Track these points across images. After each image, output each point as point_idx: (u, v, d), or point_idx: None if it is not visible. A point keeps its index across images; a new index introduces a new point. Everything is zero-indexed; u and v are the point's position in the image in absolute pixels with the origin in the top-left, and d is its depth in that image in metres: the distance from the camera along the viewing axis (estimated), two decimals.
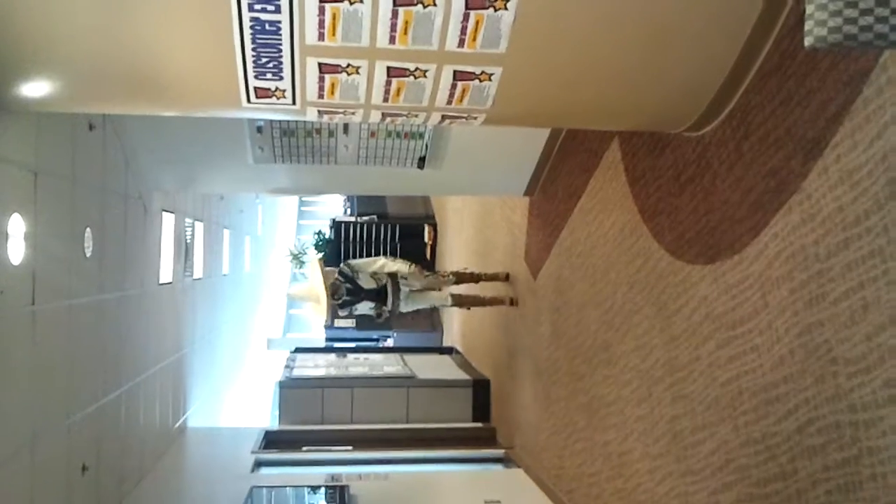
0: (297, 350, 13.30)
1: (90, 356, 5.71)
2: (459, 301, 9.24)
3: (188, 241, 8.80)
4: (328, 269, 8.43)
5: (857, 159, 2.97)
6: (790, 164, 3.39)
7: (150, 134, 6.32)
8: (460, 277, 9.03)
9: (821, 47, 1.41)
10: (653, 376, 4.80)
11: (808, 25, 1.39)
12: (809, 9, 1.39)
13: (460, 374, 10.86)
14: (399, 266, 8.51)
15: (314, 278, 8.29)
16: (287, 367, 11.34)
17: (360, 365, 11.59)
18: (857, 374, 2.97)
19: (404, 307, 8.44)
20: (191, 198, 8.97)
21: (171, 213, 7.96)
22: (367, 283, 8.28)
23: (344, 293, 8.20)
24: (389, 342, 17.69)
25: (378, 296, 8.31)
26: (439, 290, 8.92)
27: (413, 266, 8.51)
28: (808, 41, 1.42)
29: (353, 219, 18.47)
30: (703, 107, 3.90)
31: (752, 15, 3.41)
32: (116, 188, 6.17)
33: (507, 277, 8.92)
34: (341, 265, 8.40)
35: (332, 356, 12.27)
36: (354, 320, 9.71)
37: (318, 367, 11.30)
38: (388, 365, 11.47)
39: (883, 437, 2.84)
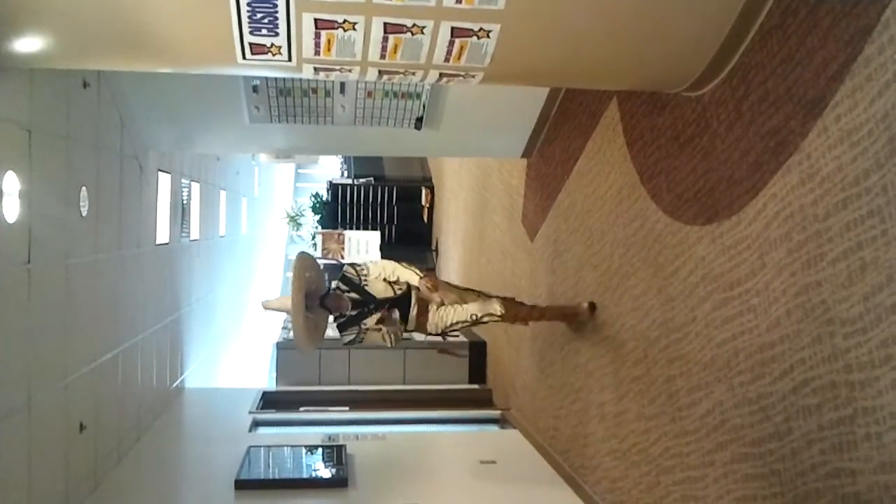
0: None
1: (87, 316, 5.70)
2: (514, 314, 5.87)
3: (185, 201, 8.76)
4: (323, 261, 5.47)
5: (858, 119, 2.95)
6: (790, 123, 3.36)
7: (145, 92, 6.27)
8: (509, 309, 5.78)
9: None
10: (649, 337, 4.81)
11: None
12: None
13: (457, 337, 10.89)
14: (409, 275, 5.67)
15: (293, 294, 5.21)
16: (284, 328, 11.36)
17: None
18: (853, 335, 2.97)
19: (433, 327, 5.71)
20: (187, 158, 8.92)
21: (168, 173, 7.91)
22: (379, 291, 5.50)
23: (349, 307, 5.41)
24: None
25: (397, 308, 5.54)
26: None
27: (423, 278, 5.65)
28: None
29: (350, 181, 18.44)
30: (703, 66, 3.87)
31: None
32: (112, 147, 6.13)
33: (592, 308, 5.82)
34: (344, 268, 5.61)
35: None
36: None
37: None
38: None
39: (879, 397, 2.85)
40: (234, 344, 13.31)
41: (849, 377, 3.00)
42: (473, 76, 3.85)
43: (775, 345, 3.47)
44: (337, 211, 18.00)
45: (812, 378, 3.22)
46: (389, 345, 5.57)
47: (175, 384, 8.70)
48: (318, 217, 19.06)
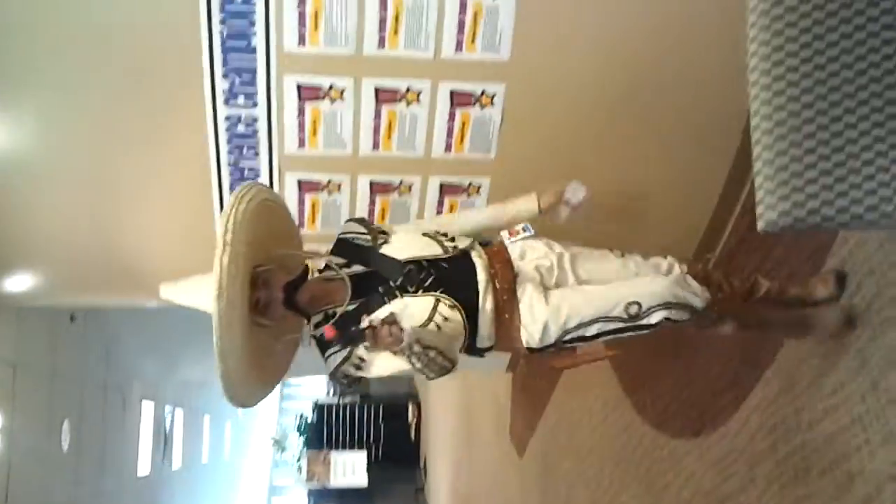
0: None
1: None
2: (729, 299, 2.83)
3: (167, 429, 8.64)
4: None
5: None
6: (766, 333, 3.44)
7: (131, 323, 6.35)
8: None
9: (773, 231, 1.50)
10: None
11: (759, 210, 1.49)
12: (759, 194, 1.49)
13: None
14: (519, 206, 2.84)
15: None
16: None
17: None
18: None
19: (532, 333, 2.56)
20: (171, 384, 8.89)
21: (151, 400, 7.87)
22: (409, 250, 2.59)
23: (346, 298, 2.51)
24: None
25: (449, 281, 2.54)
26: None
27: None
28: (760, 225, 1.51)
29: (335, 400, 18.31)
30: None
31: (714, 193, 3.57)
32: (96, 379, 6.13)
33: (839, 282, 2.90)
34: (344, 224, 2.78)
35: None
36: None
37: None
38: None
39: None
40: None
41: None
42: None
43: None
44: (323, 431, 17.74)
45: None
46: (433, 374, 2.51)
47: None
48: (303, 438, 18.75)
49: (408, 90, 3.15)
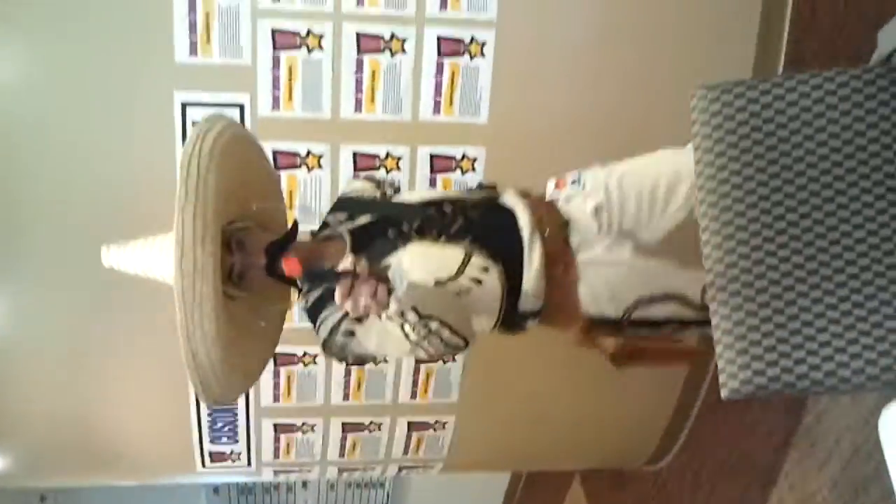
0: None
1: None
2: None
3: None
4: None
5: (810, 486, 2.99)
6: (749, 492, 3.39)
7: (102, 500, 6.16)
8: None
9: (736, 398, 1.53)
10: None
11: (721, 378, 1.52)
12: (721, 363, 1.52)
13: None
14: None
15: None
16: None
17: None
18: None
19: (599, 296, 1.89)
20: None
21: None
22: (427, 196, 2.01)
23: (344, 250, 1.86)
24: None
25: (481, 227, 1.88)
26: None
27: None
28: (723, 393, 1.54)
29: None
30: (655, 441, 3.96)
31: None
32: None
33: None
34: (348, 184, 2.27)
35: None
36: None
37: None
38: None
39: None
40: None
41: None
42: (432, 467, 3.89)
43: None
44: None
45: None
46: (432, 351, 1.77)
47: None
48: None
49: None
